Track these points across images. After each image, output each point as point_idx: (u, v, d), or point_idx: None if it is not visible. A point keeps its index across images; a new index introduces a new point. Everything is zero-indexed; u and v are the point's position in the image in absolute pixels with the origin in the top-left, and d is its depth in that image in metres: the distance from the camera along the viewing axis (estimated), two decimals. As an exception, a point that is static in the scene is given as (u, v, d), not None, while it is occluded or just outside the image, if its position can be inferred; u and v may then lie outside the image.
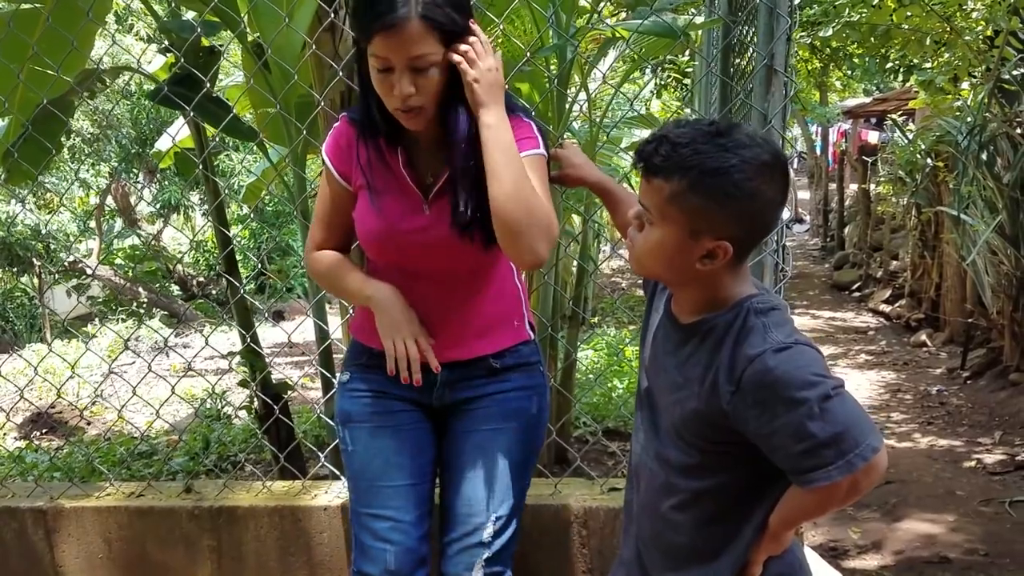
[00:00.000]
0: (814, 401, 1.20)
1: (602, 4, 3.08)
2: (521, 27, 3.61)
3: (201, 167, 2.85)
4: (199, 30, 2.53)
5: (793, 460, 1.24)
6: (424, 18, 1.51)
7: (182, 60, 2.47)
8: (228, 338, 8.46)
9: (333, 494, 2.34)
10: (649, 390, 1.47)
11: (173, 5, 3.11)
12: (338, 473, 2.39)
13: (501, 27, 2.58)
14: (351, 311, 2.03)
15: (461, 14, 1.57)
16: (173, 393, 2.61)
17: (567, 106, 3.20)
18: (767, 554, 1.37)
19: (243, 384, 3.71)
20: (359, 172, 1.73)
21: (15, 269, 11.58)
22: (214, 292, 13.06)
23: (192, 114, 2.63)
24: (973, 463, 4.55)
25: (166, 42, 3.21)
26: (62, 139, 3.28)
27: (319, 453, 2.55)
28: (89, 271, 11.59)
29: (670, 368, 1.40)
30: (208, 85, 2.52)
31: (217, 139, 4.37)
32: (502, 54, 3.65)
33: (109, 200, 13.29)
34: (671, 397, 1.39)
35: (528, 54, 2.54)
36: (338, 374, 1.92)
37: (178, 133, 3.71)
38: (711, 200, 1.25)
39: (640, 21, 2.54)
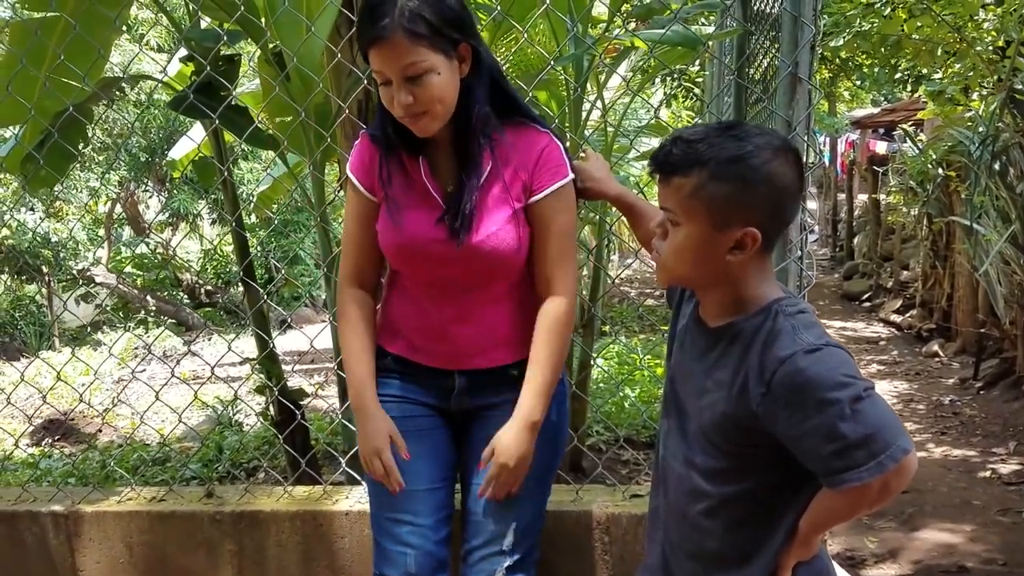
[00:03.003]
0: (845, 402, 1.21)
1: (619, 14, 3.09)
2: (537, 36, 3.64)
3: (226, 174, 2.87)
4: (224, 38, 2.55)
5: (824, 461, 1.24)
6: (406, 29, 1.54)
7: (207, 69, 2.48)
8: (236, 345, 8.47)
9: (354, 499, 2.34)
10: (676, 395, 1.47)
11: (196, 13, 3.13)
12: (357, 478, 2.39)
13: (524, 36, 2.58)
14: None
15: (447, 18, 1.59)
16: (196, 398, 2.62)
17: (584, 116, 3.22)
18: (797, 559, 1.36)
19: (259, 391, 3.72)
20: (381, 185, 1.74)
21: (24, 277, 11.62)
22: (221, 300, 13.08)
23: (216, 123, 2.65)
24: (988, 473, 4.54)
25: (184, 50, 3.24)
26: (80, 146, 3.30)
27: (340, 458, 2.55)
28: (98, 279, 11.62)
29: (697, 373, 1.40)
30: (233, 93, 2.54)
31: (237, 148, 4.40)
32: (518, 64, 3.69)
33: (118, 208, 13.34)
34: (699, 402, 1.39)
35: (551, 63, 2.55)
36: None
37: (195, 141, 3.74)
38: (732, 187, 1.27)
39: (657, 31, 2.55)
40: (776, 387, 1.25)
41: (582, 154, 1.90)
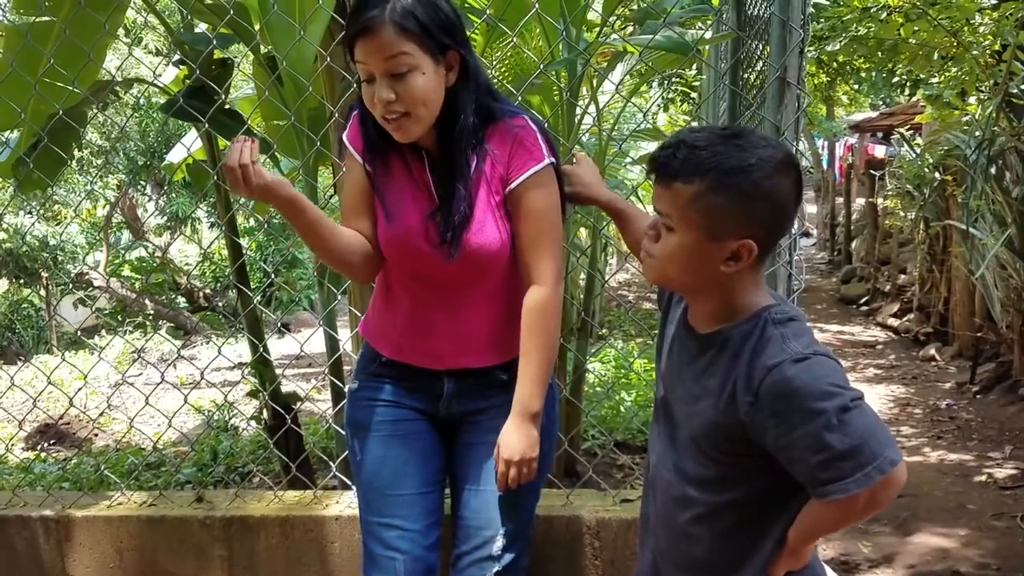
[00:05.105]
0: (832, 412, 1.19)
1: (613, 18, 3.09)
2: (532, 40, 3.64)
3: (215, 177, 2.87)
4: (214, 42, 2.55)
5: (811, 472, 1.23)
6: (396, 24, 1.53)
7: (197, 72, 2.48)
8: (235, 350, 8.48)
9: (344, 504, 2.33)
10: (666, 401, 1.46)
11: (188, 18, 3.13)
12: (349, 483, 2.39)
13: (514, 40, 2.58)
14: (360, 317, 2.03)
15: (439, 21, 1.58)
16: (186, 402, 2.61)
17: (576, 120, 3.21)
18: (786, 569, 1.35)
19: (252, 394, 3.71)
20: (371, 164, 1.73)
21: (23, 281, 11.62)
22: (220, 304, 13.08)
23: (206, 126, 2.65)
24: (984, 477, 4.53)
25: (178, 55, 3.24)
26: (74, 150, 3.30)
27: (330, 463, 2.55)
28: (96, 283, 11.62)
29: (687, 379, 1.39)
30: (223, 96, 2.54)
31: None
32: (512, 67, 3.69)
33: (116, 213, 13.34)
34: (688, 409, 1.38)
35: (541, 67, 2.55)
36: (348, 382, 1.92)
37: (191, 145, 3.74)
38: (732, 199, 1.25)
39: (651, 36, 2.55)
40: (764, 396, 1.24)
41: (573, 158, 1.89)
